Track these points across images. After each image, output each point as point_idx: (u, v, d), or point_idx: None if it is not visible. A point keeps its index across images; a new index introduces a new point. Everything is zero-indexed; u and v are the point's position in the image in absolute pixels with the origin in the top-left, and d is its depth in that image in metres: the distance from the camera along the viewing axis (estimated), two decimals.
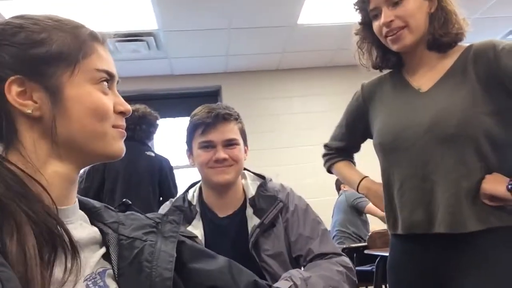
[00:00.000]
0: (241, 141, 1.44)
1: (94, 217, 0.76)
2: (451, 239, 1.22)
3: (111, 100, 0.71)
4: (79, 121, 0.67)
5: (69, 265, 0.61)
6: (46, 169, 0.66)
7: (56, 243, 0.60)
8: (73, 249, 0.62)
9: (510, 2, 3.87)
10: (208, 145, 1.40)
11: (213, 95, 5.14)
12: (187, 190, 1.54)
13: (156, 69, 4.77)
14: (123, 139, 0.73)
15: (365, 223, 4.06)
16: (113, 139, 0.71)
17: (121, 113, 0.73)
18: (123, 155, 0.73)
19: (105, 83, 0.71)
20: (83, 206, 0.75)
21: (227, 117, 1.40)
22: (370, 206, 3.59)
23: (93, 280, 0.67)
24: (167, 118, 4.69)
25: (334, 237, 3.85)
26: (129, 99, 0.75)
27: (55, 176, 0.67)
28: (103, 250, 0.73)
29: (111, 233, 0.75)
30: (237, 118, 1.44)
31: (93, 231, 0.73)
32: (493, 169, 1.21)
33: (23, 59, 0.66)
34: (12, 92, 0.65)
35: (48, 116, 0.66)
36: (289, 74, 5.11)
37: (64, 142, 0.67)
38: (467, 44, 1.31)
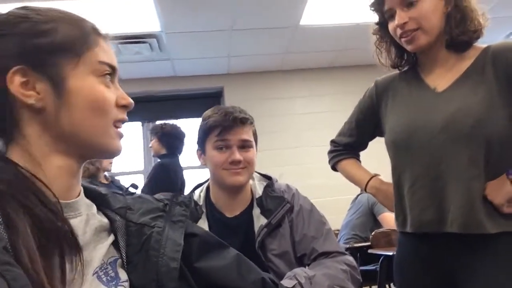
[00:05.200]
0: (254, 144, 1.46)
1: (101, 204, 0.75)
2: (462, 239, 1.22)
3: (113, 94, 0.71)
4: (81, 113, 0.67)
5: (74, 261, 0.61)
6: (48, 163, 0.65)
7: (60, 240, 0.60)
8: (76, 246, 0.62)
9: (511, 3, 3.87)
10: (224, 146, 1.40)
11: (216, 96, 5.14)
12: (193, 191, 1.54)
13: (158, 70, 4.78)
14: (121, 139, 0.73)
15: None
16: (111, 138, 0.71)
17: (124, 107, 0.73)
18: (120, 153, 0.73)
19: (107, 76, 0.70)
20: (89, 195, 0.74)
21: (244, 121, 1.42)
22: (386, 215, 3.42)
23: (104, 271, 0.67)
24: (170, 120, 4.70)
25: (350, 239, 3.61)
26: (132, 100, 0.75)
27: (58, 170, 0.66)
28: (112, 238, 0.73)
29: (119, 220, 0.74)
30: (252, 122, 1.46)
31: (100, 220, 0.72)
32: (499, 173, 1.21)
33: (27, 49, 0.65)
34: (15, 82, 0.64)
35: (50, 107, 0.65)
36: (291, 75, 5.12)
37: (65, 135, 0.66)
38: (484, 45, 1.30)
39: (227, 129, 1.39)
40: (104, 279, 0.67)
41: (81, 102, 0.67)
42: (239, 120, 1.41)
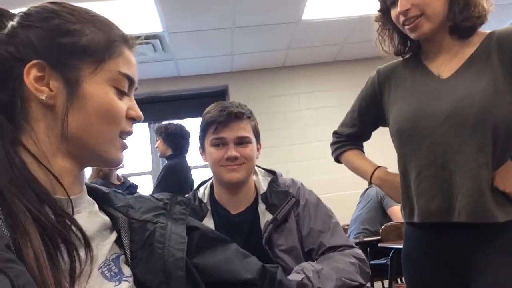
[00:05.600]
0: (253, 139, 1.44)
1: (103, 202, 0.76)
2: (471, 228, 1.20)
3: (125, 104, 0.71)
4: (88, 119, 0.67)
5: (83, 257, 0.61)
6: (54, 162, 0.65)
7: (66, 236, 0.60)
8: (85, 241, 0.63)
9: None
10: (220, 143, 1.40)
11: (221, 94, 5.14)
12: (197, 188, 1.54)
13: (162, 71, 4.79)
14: (124, 151, 0.73)
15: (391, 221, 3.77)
16: (115, 148, 0.71)
17: (132, 119, 0.73)
18: (120, 165, 0.74)
19: (124, 87, 0.70)
20: (91, 193, 0.75)
21: (239, 115, 1.40)
22: (395, 208, 3.38)
23: (108, 267, 0.68)
24: (176, 120, 4.72)
25: (360, 234, 3.58)
26: (137, 102, 0.75)
27: (63, 171, 0.66)
28: (115, 235, 0.73)
29: (122, 217, 0.75)
30: (249, 116, 1.44)
31: (102, 218, 0.73)
32: (506, 160, 1.19)
33: (50, 45, 0.65)
34: (31, 75, 0.64)
35: (60, 107, 0.65)
36: (295, 71, 5.10)
37: (70, 136, 0.66)
38: (488, 31, 1.28)
39: (222, 125, 1.39)
40: (108, 274, 0.67)
41: (91, 108, 0.66)
42: (234, 115, 1.39)
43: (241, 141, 1.41)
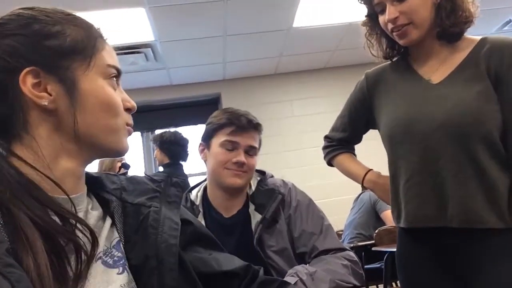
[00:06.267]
0: (257, 152, 1.47)
1: (95, 186, 0.75)
2: (463, 233, 1.21)
3: (119, 96, 0.72)
4: (93, 115, 0.67)
5: (88, 250, 0.61)
6: (55, 165, 0.65)
7: (73, 240, 0.60)
8: (93, 239, 0.63)
9: None
10: (232, 147, 1.41)
11: (213, 103, 5.16)
12: (190, 190, 1.54)
13: (155, 80, 4.80)
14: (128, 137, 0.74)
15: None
16: (123, 136, 0.72)
17: (128, 110, 0.74)
18: (127, 152, 0.74)
19: (114, 78, 0.71)
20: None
21: (257, 126, 1.45)
22: (388, 212, 3.33)
23: (109, 254, 0.68)
24: (169, 129, 4.71)
25: (354, 239, 3.59)
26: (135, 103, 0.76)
27: (64, 172, 0.66)
28: (109, 221, 0.72)
29: (115, 201, 0.74)
30: (261, 130, 1.48)
31: (96, 206, 0.72)
32: (505, 166, 1.20)
33: (38, 50, 0.65)
34: (28, 83, 0.63)
35: (63, 109, 0.65)
36: (287, 78, 5.13)
37: (78, 136, 0.66)
38: (479, 37, 1.29)
39: (240, 130, 1.41)
40: (111, 261, 0.67)
41: (93, 104, 0.67)
42: (254, 125, 1.43)
43: (250, 150, 1.43)
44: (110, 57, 0.72)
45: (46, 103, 0.64)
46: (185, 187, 0.85)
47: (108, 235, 0.70)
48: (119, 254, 0.69)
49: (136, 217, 0.73)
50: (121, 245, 0.71)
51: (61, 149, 0.66)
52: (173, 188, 0.80)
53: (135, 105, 0.74)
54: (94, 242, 0.63)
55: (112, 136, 0.70)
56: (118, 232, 0.72)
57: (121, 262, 0.69)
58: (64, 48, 0.66)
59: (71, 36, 0.67)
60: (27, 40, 0.65)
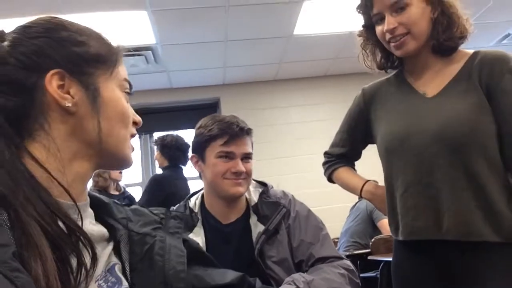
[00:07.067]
0: (252, 155, 1.47)
1: (104, 213, 0.77)
2: (459, 245, 1.21)
3: (130, 109, 0.75)
4: (110, 122, 0.70)
5: (87, 265, 0.61)
6: (69, 169, 0.66)
7: (77, 253, 0.60)
8: (93, 255, 0.63)
9: (503, 8, 3.91)
10: (228, 156, 1.41)
11: (212, 107, 5.16)
12: (188, 198, 1.55)
13: (155, 83, 4.80)
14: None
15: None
16: (130, 149, 0.75)
17: (134, 123, 0.76)
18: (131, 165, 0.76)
19: (126, 94, 0.75)
20: (91, 202, 0.75)
21: (249, 132, 1.45)
22: (385, 221, 3.33)
23: (104, 279, 0.68)
24: (167, 132, 4.71)
25: (350, 247, 3.59)
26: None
27: (75, 176, 0.67)
28: (111, 246, 0.74)
29: (122, 229, 0.76)
30: (252, 134, 1.48)
31: (100, 229, 0.73)
32: (501, 177, 1.21)
33: (66, 55, 0.67)
34: (53, 84, 0.65)
35: (82, 113, 0.67)
36: (287, 84, 5.14)
37: (93, 141, 0.68)
38: (472, 51, 1.31)
39: (234, 138, 1.40)
40: (105, 286, 0.68)
41: (111, 112, 0.70)
42: (246, 131, 1.43)
43: (246, 157, 1.44)
44: (125, 74, 0.76)
45: (69, 105, 0.66)
46: (183, 217, 0.88)
47: (107, 259, 0.71)
48: (113, 279, 0.70)
49: (141, 246, 0.76)
50: (119, 269, 0.73)
51: (77, 152, 0.68)
52: (172, 221, 0.83)
53: (141, 120, 0.78)
54: (95, 259, 0.63)
55: (123, 146, 0.72)
56: (123, 259, 0.74)
57: (116, 287, 0.69)
58: (90, 56, 0.69)
59: (95, 47, 0.71)
60: (55, 43, 0.67)
